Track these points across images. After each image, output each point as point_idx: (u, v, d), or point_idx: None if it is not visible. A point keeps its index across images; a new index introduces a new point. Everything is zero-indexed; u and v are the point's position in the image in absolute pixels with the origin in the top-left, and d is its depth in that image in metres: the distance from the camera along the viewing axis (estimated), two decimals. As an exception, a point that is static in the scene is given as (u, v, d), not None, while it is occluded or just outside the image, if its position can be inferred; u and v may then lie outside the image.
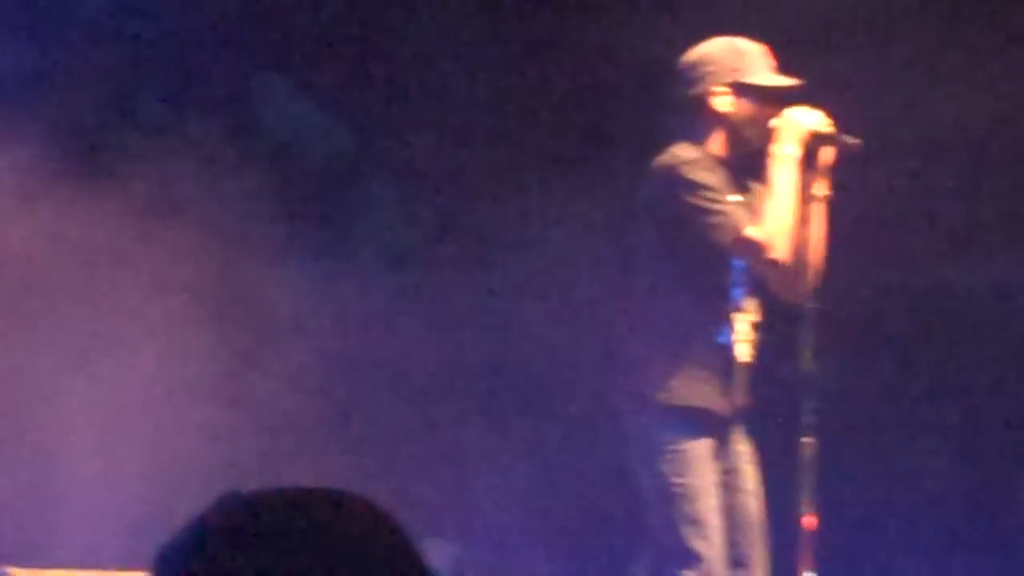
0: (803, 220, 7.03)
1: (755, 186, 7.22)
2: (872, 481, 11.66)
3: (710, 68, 7.15)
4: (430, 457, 12.20)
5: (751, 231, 6.86)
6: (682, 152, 7.07)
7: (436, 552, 11.25)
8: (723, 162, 7.09)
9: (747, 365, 7.17)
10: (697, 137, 7.16)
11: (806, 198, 7.03)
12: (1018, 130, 11.18)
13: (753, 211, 7.07)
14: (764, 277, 7.18)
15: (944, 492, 12.37)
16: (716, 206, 6.92)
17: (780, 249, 6.89)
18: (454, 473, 12.42)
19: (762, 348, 7.24)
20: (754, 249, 6.90)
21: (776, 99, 7.06)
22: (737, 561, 7.03)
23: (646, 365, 7.11)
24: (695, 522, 6.90)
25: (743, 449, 7.18)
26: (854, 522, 10.54)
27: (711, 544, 6.90)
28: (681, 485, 6.92)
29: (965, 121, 11.37)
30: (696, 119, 7.17)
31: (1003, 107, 11.03)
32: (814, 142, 7.02)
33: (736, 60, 7.16)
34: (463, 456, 12.55)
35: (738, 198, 7.08)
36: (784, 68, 7.17)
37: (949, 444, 12.40)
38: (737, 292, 7.13)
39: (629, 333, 7.23)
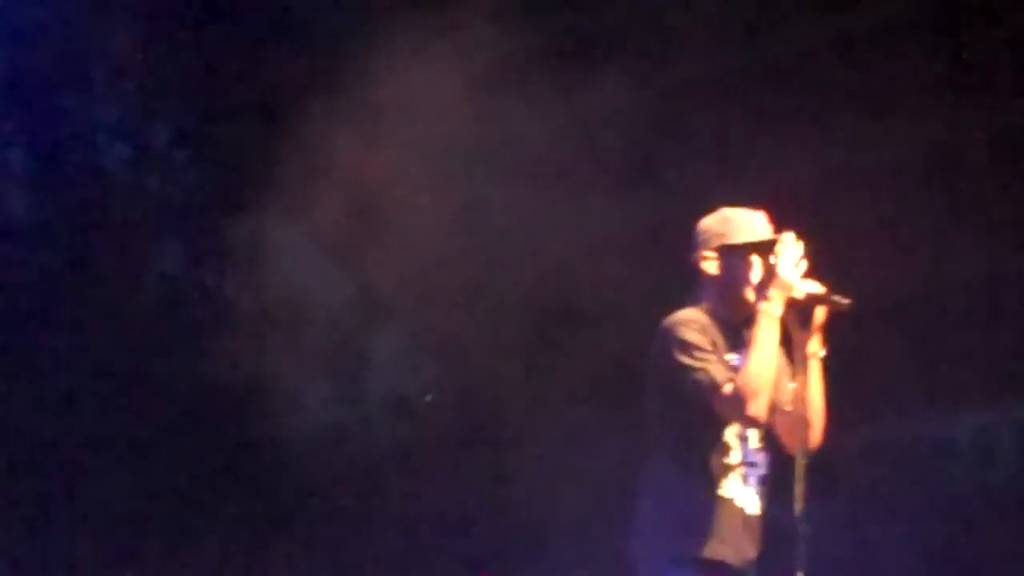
0: (802, 377, 7.00)
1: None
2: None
3: (701, 237, 7.23)
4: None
5: (728, 388, 6.85)
6: (681, 313, 7.12)
7: None
8: (726, 322, 7.10)
9: (756, 517, 7.14)
10: (698, 300, 7.20)
11: (801, 356, 7.02)
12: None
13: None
14: (770, 428, 7.17)
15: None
16: (698, 363, 6.92)
17: (757, 405, 6.87)
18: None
19: (770, 499, 7.21)
20: (732, 405, 6.87)
21: (763, 256, 7.07)
22: None
23: (658, 519, 7.09)
24: None
25: (748, 591, 7.16)
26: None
27: None
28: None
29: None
30: (697, 283, 7.22)
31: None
32: (807, 302, 7.01)
33: (723, 226, 7.22)
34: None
35: (734, 357, 7.07)
36: (779, 229, 7.19)
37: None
38: (744, 447, 7.11)
39: (642, 492, 7.20)
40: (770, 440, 7.22)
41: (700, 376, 6.91)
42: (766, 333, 6.89)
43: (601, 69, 12.59)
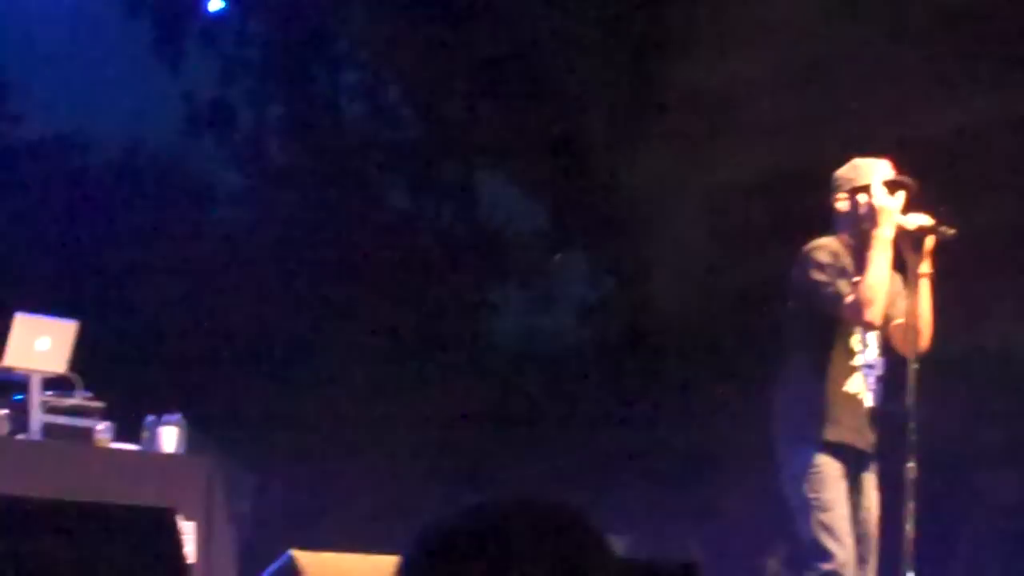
0: (913, 294, 7.03)
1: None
2: (955, 499, 11.61)
3: (836, 182, 7.25)
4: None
5: (850, 298, 6.90)
6: (817, 240, 7.16)
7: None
8: (856, 249, 7.11)
9: (871, 409, 7.18)
10: (832, 231, 7.22)
11: (914, 277, 7.05)
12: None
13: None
14: (887, 337, 7.20)
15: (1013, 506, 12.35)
16: (827, 279, 6.98)
17: (872, 312, 6.93)
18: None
19: (887, 393, 7.23)
20: (853, 312, 6.93)
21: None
22: (859, 559, 7.05)
23: (790, 407, 7.15)
24: (828, 527, 6.94)
25: (867, 475, 7.18)
26: (943, 531, 10.49)
27: (842, 544, 6.93)
28: (817, 499, 6.97)
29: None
30: (833, 218, 7.24)
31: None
32: (919, 232, 7.02)
33: (851, 172, 7.23)
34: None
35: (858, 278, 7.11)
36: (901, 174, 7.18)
37: (1011, 471, 12.37)
38: (865, 352, 7.16)
39: (781, 385, 7.26)
40: (887, 347, 7.24)
41: (829, 289, 6.97)
42: (879, 253, 6.92)
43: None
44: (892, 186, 7.07)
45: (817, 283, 7.04)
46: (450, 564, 2.14)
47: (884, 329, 7.22)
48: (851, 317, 7.00)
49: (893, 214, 6.97)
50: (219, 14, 13.24)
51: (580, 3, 12.33)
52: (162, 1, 15.36)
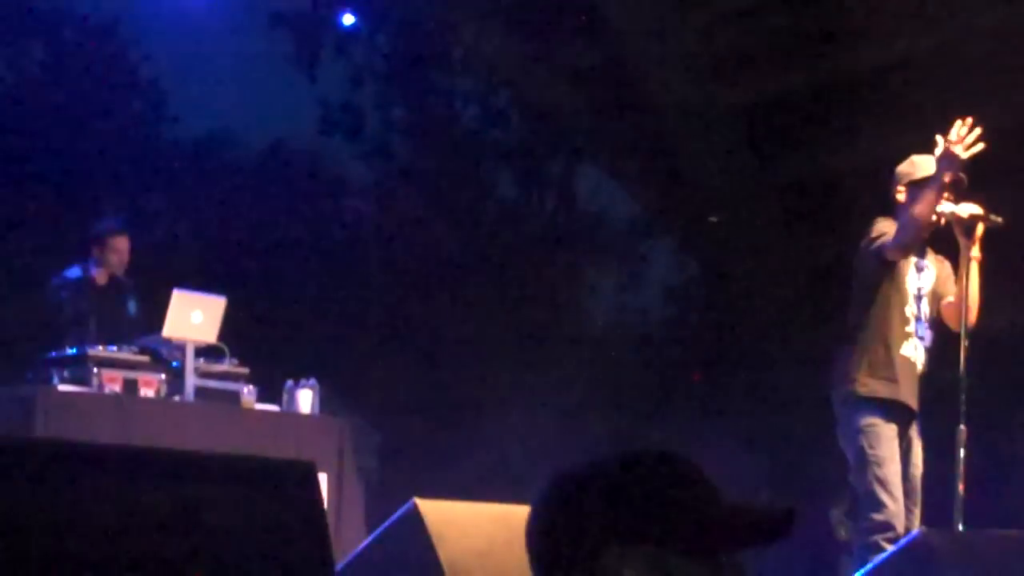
0: (964, 275, 6.97)
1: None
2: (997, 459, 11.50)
3: (896, 177, 7.16)
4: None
5: (891, 231, 6.85)
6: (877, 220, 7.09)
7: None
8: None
9: (922, 373, 7.11)
10: (893, 217, 7.12)
11: (965, 259, 6.98)
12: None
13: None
14: (939, 314, 7.13)
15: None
16: (875, 233, 6.94)
17: (906, 236, 6.78)
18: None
19: (933, 362, 7.16)
20: (893, 243, 6.85)
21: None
22: (907, 510, 7.00)
23: (852, 368, 7.09)
24: (882, 481, 6.88)
25: (915, 434, 7.13)
26: (990, 488, 10.38)
27: (893, 497, 6.87)
28: (874, 455, 6.92)
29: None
30: (892, 208, 7.16)
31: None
32: (970, 220, 6.94)
33: (909, 168, 7.15)
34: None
35: (920, 261, 7.07)
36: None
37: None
38: (918, 323, 7.10)
39: (842, 346, 7.21)
40: (938, 323, 7.17)
41: (878, 237, 6.93)
42: (929, 192, 6.81)
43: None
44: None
45: (871, 239, 6.99)
46: (576, 504, 2.16)
47: (936, 307, 7.16)
48: (893, 246, 6.93)
49: (928, 158, 6.89)
50: (351, 28, 13.29)
51: (668, 18, 12.28)
52: (300, 16, 15.44)
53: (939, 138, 6.82)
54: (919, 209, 6.82)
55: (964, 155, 6.73)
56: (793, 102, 12.46)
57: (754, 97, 12.57)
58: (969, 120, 6.71)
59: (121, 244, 9.90)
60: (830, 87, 12.29)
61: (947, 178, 6.82)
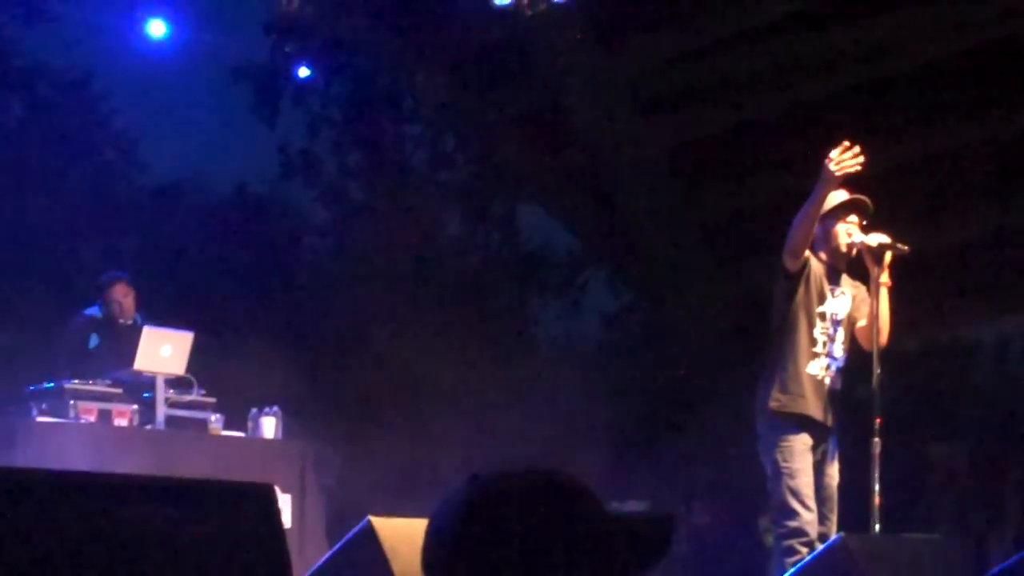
0: (875, 300, 6.99)
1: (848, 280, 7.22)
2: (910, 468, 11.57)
3: None
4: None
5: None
6: None
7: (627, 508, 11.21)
8: (830, 266, 7.08)
9: (832, 390, 7.12)
10: (814, 252, 7.11)
11: (875, 286, 7.01)
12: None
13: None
14: (852, 338, 7.16)
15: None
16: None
17: (793, 238, 6.78)
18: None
19: (847, 380, 7.18)
20: (786, 246, 6.86)
21: (844, 215, 7.04)
22: (821, 518, 7.01)
23: (767, 387, 7.11)
24: (795, 491, 6.88)
25: (830, 448, 7.14)
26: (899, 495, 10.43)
27: (806, 506, 6.89)
28: (787, 467, 6.93)
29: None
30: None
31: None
32: (879, 249, 6.98)
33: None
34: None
35: (836, 288, 7.10)
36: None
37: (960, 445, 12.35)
38: (830, 344, 7.12)
39: (760, 369, 7.23)
40: (853, 344, 7.19)
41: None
42: (813, 200, 6.77)
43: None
44: (850, 205, 7.02)
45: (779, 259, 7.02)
46: (470, 524, 2.13)
47: (851, 329, 7.19)
48: (784, 254, 6.92)
49: (836, 186, 6.87)
50: (307, 80, 13.29)
51: (607, 65, 12.33)
52: (260, 70, 15.44)
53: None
54: (799, 216, 6.85)
55: (837, 172, 6.70)
56: (719, 139, 12.53)
57: (682, 135, 12.65)
58: (846, 143, 6.72)
59: (118, 292, 9.88)
60: (754, 124, 12.37)
61: (825, 190, 6.78)
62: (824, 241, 7.09)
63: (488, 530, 2.10)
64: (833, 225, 7.06)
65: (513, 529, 2.10)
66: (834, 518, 7.09)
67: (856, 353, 7.20)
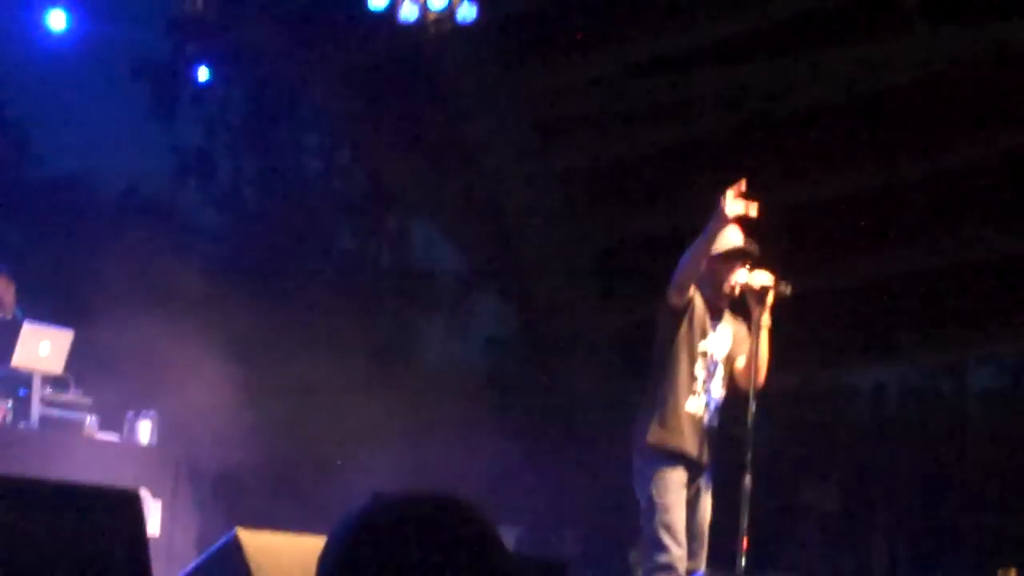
0: (755, 340, 7.05)
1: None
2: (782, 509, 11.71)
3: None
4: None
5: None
6: None
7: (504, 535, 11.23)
8: (712, 303, 7.13)
9: (709, 427, 7.18)
10: (698, 289, 7.17)
11: (756, 326, 7.07)
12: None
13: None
14: (731, 376, 7.23)
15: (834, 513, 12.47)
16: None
17: (680, 273, 6.86)
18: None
19: (723, 418, 7.25)
20: (672, 280, 6.93)
21: (733, 260, 7.09)
22: (690, 554, 7.06)
23: (644, 422, 7.15)
24: (667, 526, 6.93)
25: (704, 482, 7.21)
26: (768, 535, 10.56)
27: (677, 542, 6.93)
28: (661, 502, 6.97)
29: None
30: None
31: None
32: (761, 290, 7.04)
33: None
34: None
35: (716, 323, 7.17)
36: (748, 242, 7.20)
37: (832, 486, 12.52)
38: (708, 381, 7.17)
39: (639, 403, 7.28)
40: (731, 383, 7.26)
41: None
42: (704, 235, 6.83)
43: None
44: (737, 253, 7.08)
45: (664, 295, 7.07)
46: (358, 550, 2.09)
47: (730, 367, 7.26)
48: (670, 287, 6.97)
49: (728, 231, 6.93)
50: (206, 83, 13.23)
51: (505, 90, 12.39)
52: (159, 70, 15.34)
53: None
54: (689, 253, 6.91)
55: (730, 215, 6.78)
56: (614, 168, 12.63)
57: (577, 161, 12.74)
58: (742, 183, 6.79)
59: (-4, 285, 9.75)
60: (651, 156, 12.49)
61: (716, 228, 6.83)
62: (708, 279, 7.15)
63: (387, 549, 2.08)
64: (720, 266, 7.12)
65: (412, 551, 2.08)
66: (703, 554, 7.16)
67: (734, 391, 7.27)
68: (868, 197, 12.08)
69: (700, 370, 7.16)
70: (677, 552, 6.94)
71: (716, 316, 7.21)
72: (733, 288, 7.12)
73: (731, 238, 7.09)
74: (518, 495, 12.66)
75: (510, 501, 12.35)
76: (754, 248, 7.09)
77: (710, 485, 7.22)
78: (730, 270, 7.07)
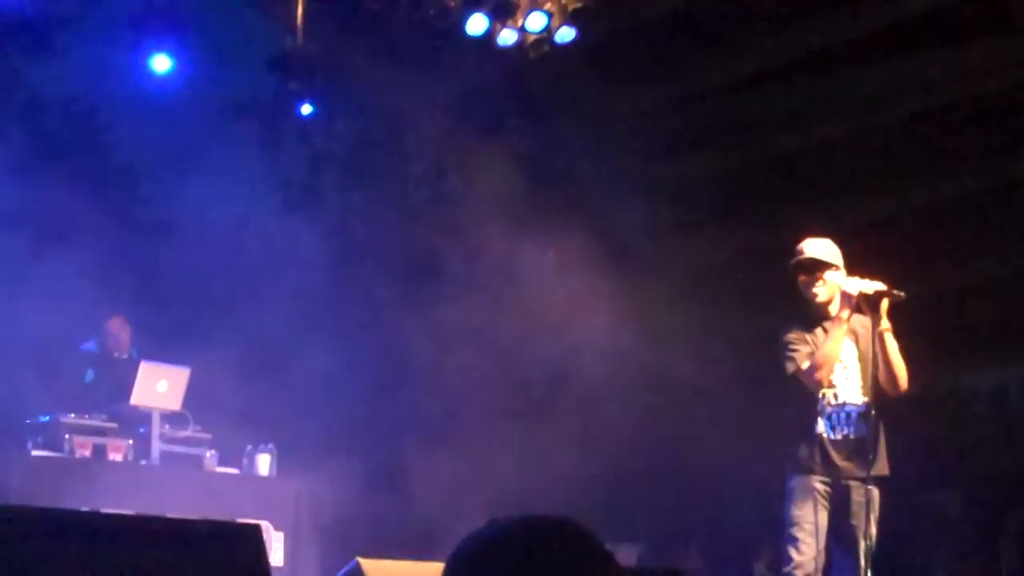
0: (880, 345, 7.15)
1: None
2: (907, 516, 11.56)
3: (814, 260, 7.33)
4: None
5: (804, 364, 7.09)
6: (787, 316, 7.34)
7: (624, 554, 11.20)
8: (812, 318, 7.30)
9: (843, 442, 7.27)
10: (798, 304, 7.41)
11: (876, 334, 7.14)
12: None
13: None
14: (875, 380, 7.28)
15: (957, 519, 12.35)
16: (789, 348, 7.16)
17: (821, 375, 7.07)
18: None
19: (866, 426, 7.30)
20: (806, 376, 7.09)
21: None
22: (844, 569, 7.19)
23: (782, 444, 7.32)
24: (794, 539, 7.15)
25: (850, 496, 7.30)
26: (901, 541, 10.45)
27: (802, 553, 7.14)
28: (791, 516, 7.16)
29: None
30: (797, 293, 7.43)
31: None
32: (875, 296, 7.11)
33: (834, 255, 7.36)
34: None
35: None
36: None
37: (956, 491, 12.37)
38: (844, 389, 7.31)
39: (779, 418, 7.45)
40: (875, 386, 7.27)
41: (788, 356, 7.13)
42: (833, 331, 7.06)
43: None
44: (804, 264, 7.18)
45: (786, 354, 7.21)
46: (486, 566, 2.11)
47: (868, 370, 7.32)
48: (805, 380, 7.16)
49: (852, 299, 7.10)
50: (310, 116, 13.39)
51: (598, 102, 12.39)
52: (264, 106, 15.52)
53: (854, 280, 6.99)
54: (828, 348, 7.06)
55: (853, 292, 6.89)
56: (726, 184, 12.60)
57: (686, 173, 12.71)
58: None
59: (114, 327, 9.95)
60: (754, 169, 12.43)
61: (844, 314, 7.01)
62: (807, 298, 7.28)
63: (503, 574, 2.10)
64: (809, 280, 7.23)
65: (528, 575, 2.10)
66: (862, 564, 7.20)
67: (879, 396, 7.29)
68: (982, 198, 11.96)
69: (828, 388, 7.27)
70: (800, 560, 7.07)
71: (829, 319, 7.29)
72: (846, 296, 7.19)
73: (859, 285, 7.14)
74: (637, 510, 12.61)
75: (628, 516, 12.31)
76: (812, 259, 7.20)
77: (858, 494, 7.27)
78: (832, 275, 7.19)
